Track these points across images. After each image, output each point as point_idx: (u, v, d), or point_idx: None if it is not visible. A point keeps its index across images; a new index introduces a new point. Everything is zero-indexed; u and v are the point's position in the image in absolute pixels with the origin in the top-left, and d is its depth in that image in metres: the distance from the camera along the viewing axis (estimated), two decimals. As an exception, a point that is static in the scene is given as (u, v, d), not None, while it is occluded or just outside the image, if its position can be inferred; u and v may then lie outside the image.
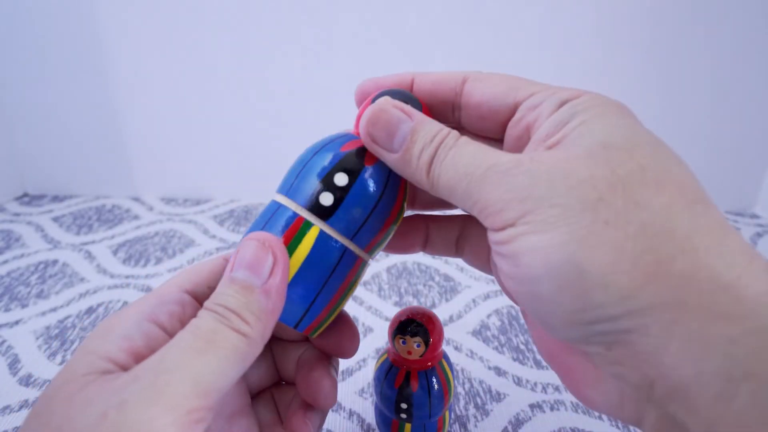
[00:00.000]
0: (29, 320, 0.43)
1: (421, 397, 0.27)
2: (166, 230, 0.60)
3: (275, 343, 0.26)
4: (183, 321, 0.20)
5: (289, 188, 0.20)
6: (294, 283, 0.19)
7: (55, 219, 0.62)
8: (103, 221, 0.62)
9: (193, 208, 0.67)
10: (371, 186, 0.20)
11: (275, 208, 0.20)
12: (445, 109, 0.22)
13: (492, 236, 0.17)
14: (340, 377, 0.37)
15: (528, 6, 0.58)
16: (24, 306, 0.45)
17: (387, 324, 0.41)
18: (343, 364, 0.38)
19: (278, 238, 0.19)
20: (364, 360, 0.39)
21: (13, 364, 0.37)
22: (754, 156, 0.66)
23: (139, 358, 0.18)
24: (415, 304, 0.46)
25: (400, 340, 0.26)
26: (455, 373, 0.34)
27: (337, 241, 0.20)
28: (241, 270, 0.18)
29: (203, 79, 0.62)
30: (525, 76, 0.21)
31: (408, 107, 0.20)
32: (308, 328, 0.21)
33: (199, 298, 0.21)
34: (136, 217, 0.63)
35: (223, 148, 0.66)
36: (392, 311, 0.45)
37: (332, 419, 0.33)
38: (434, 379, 0.27)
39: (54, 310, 0.44)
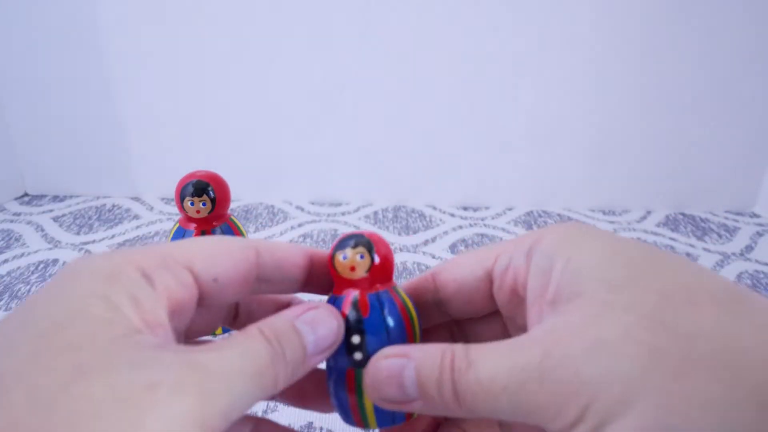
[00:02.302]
0: (29, 319, 0.43)
1: (377, 323, 0.21)
2: (166, 230, 0.60)
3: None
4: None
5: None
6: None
7: (55, 219, 0.62)
8: (103, 221, 0.62)
9: (193, 208, 0.66)
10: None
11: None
12: (431, 311, 0.22)
13: None
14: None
15: (528, 5, 0.58)
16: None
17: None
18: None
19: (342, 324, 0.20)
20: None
21: (13, 363, 0.37)
22: (754, 156, 0.66)
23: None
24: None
25: (341, 256, 0.21)
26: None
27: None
28: (310, 332, 0.18)
29: (203, 79, 0.63)
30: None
31: (399, 348, 0.19)
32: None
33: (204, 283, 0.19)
34: (136, 217, 0.63)
35: (223, 148, 0.66)
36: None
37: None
38: (390, 302, 0.22)
39: (54, 309, 0.44)
